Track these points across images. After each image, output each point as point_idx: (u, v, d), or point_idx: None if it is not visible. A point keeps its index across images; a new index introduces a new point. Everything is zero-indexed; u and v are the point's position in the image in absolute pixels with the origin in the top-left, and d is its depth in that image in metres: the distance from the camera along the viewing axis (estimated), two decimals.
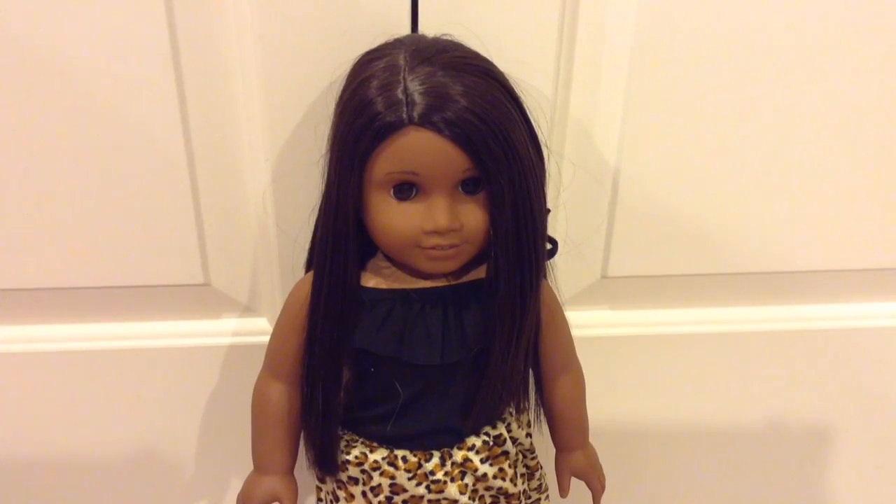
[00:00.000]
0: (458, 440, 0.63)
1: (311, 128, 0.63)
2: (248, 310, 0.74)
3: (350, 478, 0.63)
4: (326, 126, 0.57)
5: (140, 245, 0.68)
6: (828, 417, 0.83)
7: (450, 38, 0.56)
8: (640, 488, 0.86)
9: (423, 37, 0.55)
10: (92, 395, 0.74)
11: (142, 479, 0.79)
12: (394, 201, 0.53)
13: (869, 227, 0.74)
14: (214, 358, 0.74)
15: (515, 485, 0.65)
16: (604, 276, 0.74)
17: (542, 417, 0.68)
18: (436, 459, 0.62)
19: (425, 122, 0.49)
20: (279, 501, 0.64)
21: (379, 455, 0.62)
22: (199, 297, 0.72)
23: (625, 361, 0.79)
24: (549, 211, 0.59)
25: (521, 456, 0.67)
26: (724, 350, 0.79)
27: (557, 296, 0.65)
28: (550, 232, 0.62)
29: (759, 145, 0.69)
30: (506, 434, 0.64)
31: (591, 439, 0.70)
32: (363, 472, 0.62)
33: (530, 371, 0.64)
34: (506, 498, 0.65)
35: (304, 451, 0.64)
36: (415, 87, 0.49)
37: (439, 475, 0.62)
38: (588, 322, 0.76)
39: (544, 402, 0.67)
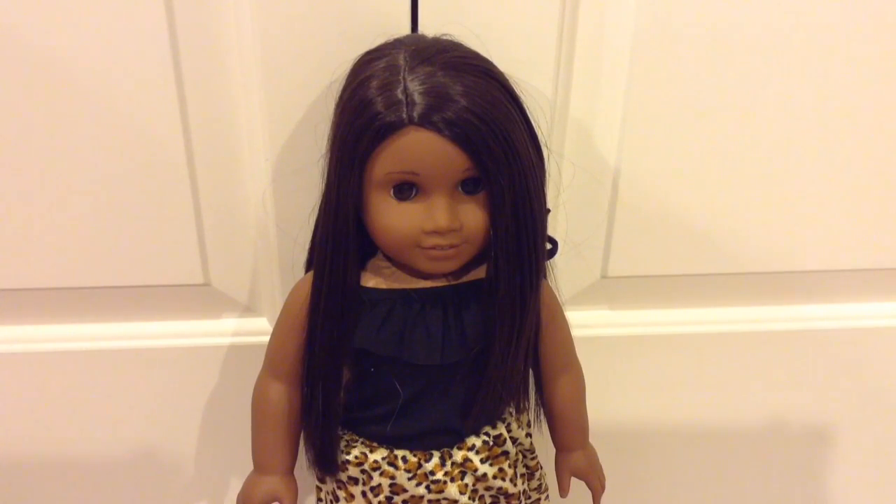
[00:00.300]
0: (458, 440, 0.63)
1: (311, 128, 0.63)
2: (248, 310, 0.74)
3: (350, 478, 0.63)
4: (326, 126, 0.57)
5: (140, 245, 0.68)
6: (828, 417, 0.83)
7: (450, 38, 0.56)
8: (640, 488, 0.86)
9: (423, 37, 0.55)
10: (92, 395, 0.74)
11: (142, 479, 0.79)
12: (394, 201, 0.53)
13: (869, 227, 0.74)
14: (214, 358, 0.74)
15: (515, 485, 0.65)
16: (604, 276, 0.74)
17: (542, 417, 0.68)
18: (436, 459, 0.62)
19: (425, 122, 0.49)
20: (279, 501, 0.64)
21: (379, 455, 0.62)
22: (199, 297, 0.72)
23: (625, 361, 0.79)
24: (549, 211, 0.59)
25: (521, 456, 0.67)
26: (724, 350, 0.79)
27: (557, 296, 0.65)
28: (550, 232, 0.62)
29: (759, 145, 0.69)
30: (506, 434, 0.64)
31: (591, 439, 0.70)
32: (363, 472, 0.62)
33: (530, 371, 0.64)
34: (506, 498, 0.65)
35: (304, 451, 0.64)
36: (415, 87, 0.49)
37: (439, 475, 0.62)
38: (588, 322, 0.76)
39: (544, 402, 0.67)
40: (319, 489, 0.68)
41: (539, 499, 0.71)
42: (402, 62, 0.51)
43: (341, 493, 0.64)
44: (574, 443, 0.68)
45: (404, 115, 0.49)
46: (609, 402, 0.79)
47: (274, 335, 0.63)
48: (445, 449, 0.63)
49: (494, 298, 0.56)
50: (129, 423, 0.76)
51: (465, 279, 0.59)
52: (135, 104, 0.62)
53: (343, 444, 0.63)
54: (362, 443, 0.63)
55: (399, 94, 0.49)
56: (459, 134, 0.49)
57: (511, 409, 0.66)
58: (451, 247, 0.54)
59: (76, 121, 0.62)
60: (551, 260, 0.63)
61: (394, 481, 0.62)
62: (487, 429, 0.64)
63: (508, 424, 0.65)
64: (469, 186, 0.53)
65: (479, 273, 0.58)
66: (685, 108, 0.67)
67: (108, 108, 0.62)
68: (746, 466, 0.85)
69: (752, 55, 0.65)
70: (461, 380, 0.60)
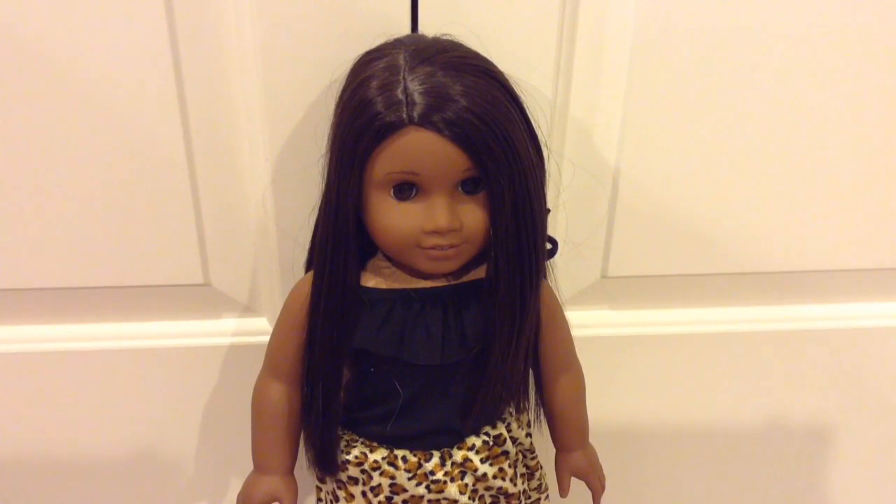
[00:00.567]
0: (457, 440, 0.63)
1: (311, 128, 0.63)
2: (248, 310, 0.74)
3: (350, 478, 0.63)
4: (326, 126, 0.57)
5: (140, 245, 0.68)
6: (828, 417, 0.83)
7: (450, 38, 0.56)
8: (640, 488, 0.86)
9: (423, 37, 0.55)
10: (92, 395, 0.74)
11: (142, 479, 0.79)
12: (394, 201, 0.53)
13: (869, 227, 0.74)
14: (214, 358, 0.74)
15: (515, 485, 0.65)
16: (604, 276, 0.74)
17: (542, 417, 0.68)
18: (436, 459, 0.62)
19: (425, 122, 0.49)
20: (279, 501, 0.64)
21: (379, 455, 0.62)
22: (199, 297, 0.72)
23: (625, 361, 0.79)
24: (548, 211, 0.59)
25: (520, 456, 0.67)
26: (724, 350, 0.79)
27: (557, 296, 0.65)
28: (550, 232, 0.62)
29: (759, 145, 0.69)
30: (506, 434, 0.64)
31: (591, 439, 0.70)
32: (363, 472, 0.62)
33: (530, 371, 0.64)
34: (506, 498, 0.65)
35: (304, 451, 0.64)
36: (415, 87, 0.49)
37: (439, 475, 0.62)
38: (588, 322, 0.76)
39: (544, 402, 0.67)
40: (319, 489, 0.68)
41: (539, 499, 0.71)
42: (402, 62, 0.51)
43: (341, 493, 0.64)
44: (574, 443, 0.68)
45: (404, 115, 0.49)
46: (609, 402, 0.79)
47: (274, 335, 0.63)
48: (445, 449, 0.63)
49: (494, 298, 0.56)
50: (129, 423, 0.76)
51: (465, 279, 0.59)
52: (135, 104, 0.62)
53: (343, 444, 0.63)
54: (362, 443, 0.63)
55: (399, 93, 0.49)
56: (459, 134, 0.49)
57: (511, 409, 0.66)
58: (451, 247, 0.54)
59: (76, 121, 0.62)
60: (551, 260, 0.63)
61: (394, 481, 0.62)
62: (487, 429, 0.64)
63: (508, 424, 0.65)
64: (469, 186, 0.53)
65: (479, 273, 0.58)
66: (685, 108, 0.67)
67: (109, 108, 0.62)
68: (746, 466, 0.85)
69: (752, 55, 0.65)
70: (461, 380, 0.60)
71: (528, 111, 0.55)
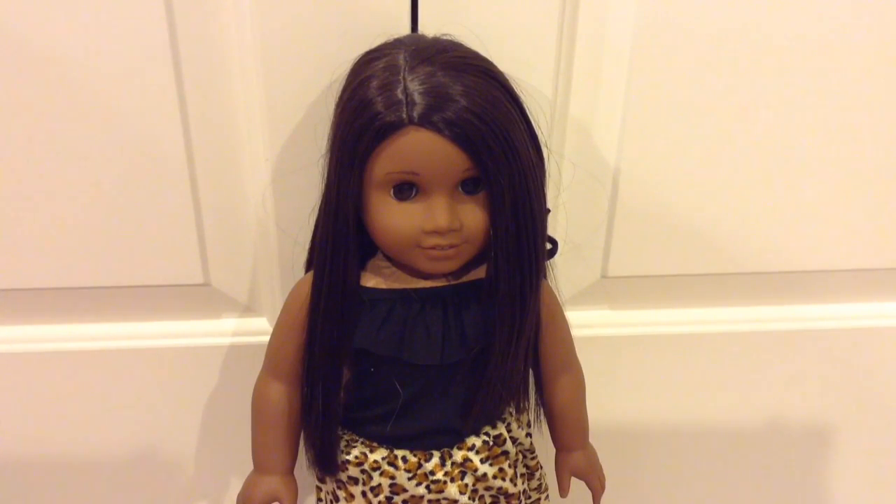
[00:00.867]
0: (457, 440, 0.63)
1: (311, 128, 0.63)
2: (248, 310, 0.74)
3: (350, 478, 0.63)
4: (326, 126, 0.57)
5: (140, 245, 0.68)
6: (828, 417, 0.83)
7: (450, 38, 0.56)
8: (640, 488, 0.86)
9: (423, 37, 0.55)
10: (92, 395, 0.74)
11: (142, 479, 0.79)
12: (394, 201, 0.53)
13: (869, 227, 0.74)
14: (214, 358, 0.74)
15: (515, 485, 0.65)
16: (604, 276, 0.74)
17: (542, 417, 0.68)
18: (436, 459, 0.62)
19: (425, 121, 0.49)
20: (279, 501, 0.64)
21: (379, 455, 0.62)
22: (199, 297, 0.72)
23: (625, 361, 0.79)
24: (548, 211, 0.59)
25: (520, 456, 0.67)
26: (724, 350, 0.79)
27: (557, 296, 0.65)
28: (550, 232, 0.62)
29: (758, 145, 0.69)
30: (506, 434, 0.64)
31: (591, 439, 0.70)
32: (363, 472, 0.62)
33: (530, 371, 0.64)
34: (506, 498, 0.65)
35: (304, 451, 0.64)
36: (415, 87, 0.49)
37: (439, 475, 0.62)
38: (588, 322, 0.76)
39: (544, 403, 0.67)
40: (319, 489, 0.68)
41: (539, 499, 0.71)
42: (401, 62, 0.51)
43: (341, 493, 0.64)
44: (574, 443, 0.68)
45: (404, 115, 0.49)
46: (609, 402, 0.79)
47: (274, 335, 0.63)
48: (445, 449, 0.63)
49: (494, 298, 0.56)
50: (129, 423, 0.76)
51: (465, 279, 0.59)
52: (135, 104, 0.62)
53: (343, 444, 0.63)
54: (362, 443, 0.63)
55: (399, 93, 0.49)
56: (459, 134, 0.49)
57: (511, 409, 0.66)
58: (451, 247, 0.54)
59: (76, 121, 0.62)
60: (551, 260, 0.63)
61: (394, 481, 0.62)
62: (487, 429, 0.64)
63: (508, 424, 0.65)
64: (469, 186, 0.53)
65: (479, 273, 0.58)
66: (685, 109, 0.67)
67: (108, 108, 0.62)
68: (746, 466, 0.85)
69: (752, 55, 0.65)
70: (461, 380, 0.60)
71: (528, 111, 0.55)
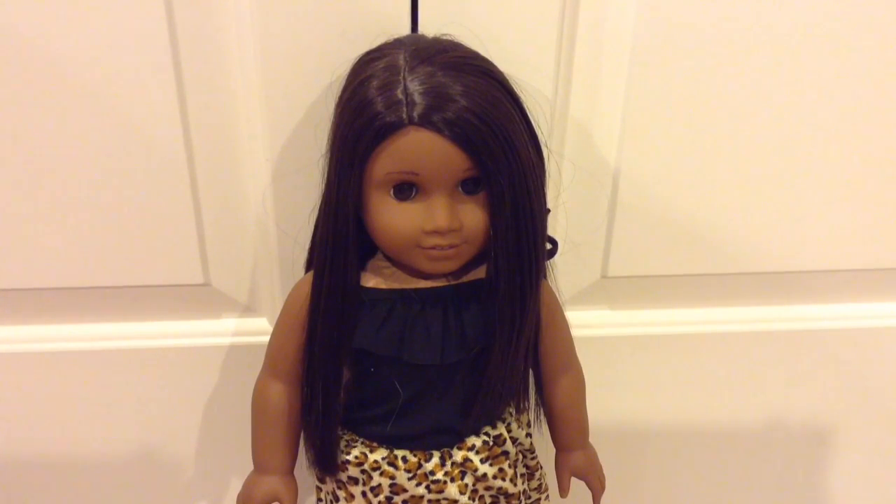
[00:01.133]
0: (458, 440, 0.63)
1: (311, 128, 0.63)
2: (248, 310, 0.74)
3: (350, 478, 0.63)
4: (327, 126, 0.57)
5: (140, 245, 0.68)
6: (828, 417, 0.83)
7: (450, 38, 0.56)
8: (640, 488, 0.86)
9: (423, 37, 0.55)
10: (92, 395, 0.74)
11: (142, 479, 0.79)
12: (393, 201, 0.53)
13: (869, 227, 0.74)
14: (214, 358, 0.74)
15: (515, 485, 0.65)
16: (604, 276, 0.74)
17: (542, 417, 0.68)
18: (436, 459, 0.62)
19: (425, 122, 0.49)
20: (279, 501, 0.64)
21: (379, 455, 0.62)
22: (199, 297, 0.72)
23: (625, 361, 0.79)
24: (548, 211, 0.59)
25: (521, 456, 0.67)
26: (724, 350, 0.79)
27: (557, 296, 0.65)
28: (550, 232, 0.62)
29: (758, 145, 0.69)
30: (506, 434, 0.64)
31: (591, 439, 0.70)
32: (363, 472, 0.62)
33: (530, 371, 0.64)
34: (506, 498, 0.65)
35: (304, 451, 0.64)
36: (415, 87, 0.49)
37: (439, 475, 0.62)
38: (588, 322, 0.76)
39: (544, 403, 0.67)
40: (319, 489, 0.68)
41: (539, 499, 0.71)
42: (402, 62, 0.51)
43: (341, 493, 0.64)
44: (574, 443, 0.68)
45: (404, 115, 0.49)
46: (609, 402, 0.79)
47: (274, 335, 0.63)
48: (445, 449, 0.62)
49: (494, 298, 0.56)
50: (128, 423, 0.76)
51: (465, 279, 0.59)
52: (135, 104, 0.62)
53: (343, 444, 0.63)
54: (362, 443, 0.63)
55: (399, 94, 0.49)
56: (459, 134, 0.49)
57: (511, 409, 0.66)
58: (451, 247, 0.54)
59: (76, 121, 0.62)
60: (551, 260, 0.63)
61: (394, 481, 0.62)
62: (487, 429, 0.64)
63: (508, 424, 0.65)
64: (469, 186, 0.53)
65: (479, 273, 0.58)
66: (685, 108, 0.67)
67: (108, 107, 0.62)
68: (746, 466, 0.85)
69: (752, 55, 0.65)
70: (461, 380, 0.60)
71: (528, 111, 0.55)
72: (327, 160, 0.56)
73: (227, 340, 0.74)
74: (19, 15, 0.59)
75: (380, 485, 0.62)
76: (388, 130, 0.50)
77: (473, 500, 0.63)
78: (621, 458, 0.81)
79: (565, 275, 0.72)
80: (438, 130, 0.49)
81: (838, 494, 0.88)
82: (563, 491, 0.68)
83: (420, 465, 0.62)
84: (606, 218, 0.71)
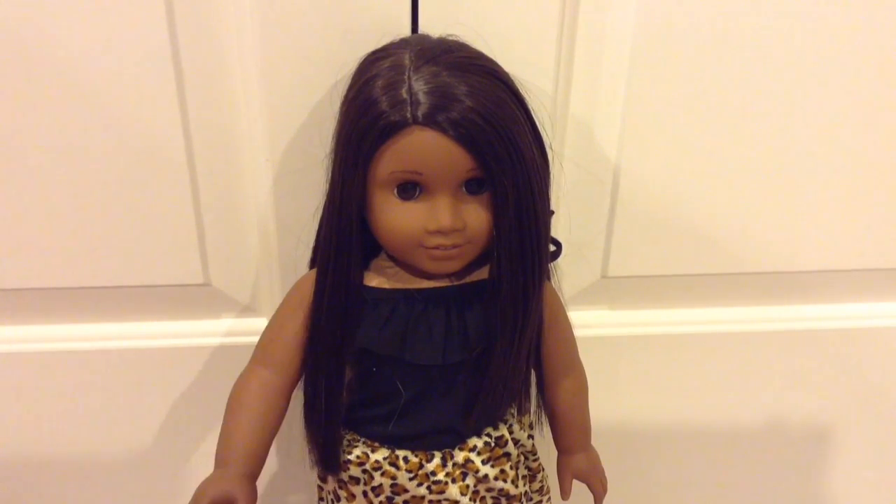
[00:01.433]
0: (459, 441, 0.63)
1: (312, 128, 0.63)
2: (248, 310, 0.74)
3: (351, 477, 0.63)
4: (327, 126, 0.57)
5: (140, 245, 0.68)
6: (828, 417, 0.84)
7: (455, 39, 0.56)
8: (640, 489, 0.86)
9: (429, 37, 0.55)
10: (92, 395, 0.74)
11: (141, 478, 0.79)
12: (397, 201, 0.53)
13: (869, 227, 0.74)
14: (214, 358, 0.74)
15: (517, 486, 0.65)
16: (604, 276, 0.74)
17: (544, 419, 0.68)
18: (437, 460, 0.62)
19: (430, 121, 0.49)
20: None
21: (380, 455, 0.62)
22: (199, 297, 0.72)
23: (625, 361, 0.79)
24: (552, 212, 0.59)
25: (522, 457, 0.67)
26: (724, 350, 0.79)
27: (560, 297, 0.65)
28: (551, 231, 0.62)
29: (759, 145, 0.69)
30: (507, 435, 0.64)
31: (592, 439, 0.70)
32: (364, 471, 0.62)
33: (532, 372, 0.64)
34: (507, 499, 0.65)
35: (306, 451, 0.64)
36: (419, 86, 0.49)
37: (440, 476, 0.62)
38: (588, 322, 0.76)
39: (546, 404, 0.67)
40: (321, 488, 0.68)
41: (541, 500, 0.70)
42: (407, 62, 0.51)
43: (342, 493, 0.64)
44: (576, 445, 0.68)
45: (408, 115, 0.49)
46: (609, 403, 0.79)
47: (269, 327, 0.61)
48: (447, 449, 0.62)
49: (497, 299, 0.56)
50: (128, 423, 0.76)
51: (467, 279, 0.59)
52: (135, 104, 0.62)
53: (345, 443, 0.63)
54: (364, 443, 0.63)
55: (404, 93, 0.49)
56: (464, 134, 0.49)
57: (513, 411, 0.66)
58: (454, 247, 0.54)
59: (76, 121, 0.62)
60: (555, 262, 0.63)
61: (395, 481, 0.62)
62: (489, 430, 0.64)
63: (510, 425, 0.65)
64: (473, 186, 0.53)
65: (482, 273, 0.58)
66: (685, 108, 0.67)
67: (109, 107, 0.62)
68: (746, 466, 0.86)
69: (752, 55, 0.65)
70: (463, 380, 0.60)
71: (532, 112, 0.55)
72: (332, 159, 0.56)
73: (227, 340, 0.74)
74: (19, 15, 0.59)
75: (381, 485, 0.62)
76: (392, 130, 0.50)
77: (474, 502, 0.63)
78: (622, 457, 0.81)
79: (565, 275, 0.72)
80: (443, 130, 0.49)
81: (838, 494, 0.88)
82: (565, 493, 0.68)
83: (421, 466, 0.62)
84: (607, 218, 0.71)
